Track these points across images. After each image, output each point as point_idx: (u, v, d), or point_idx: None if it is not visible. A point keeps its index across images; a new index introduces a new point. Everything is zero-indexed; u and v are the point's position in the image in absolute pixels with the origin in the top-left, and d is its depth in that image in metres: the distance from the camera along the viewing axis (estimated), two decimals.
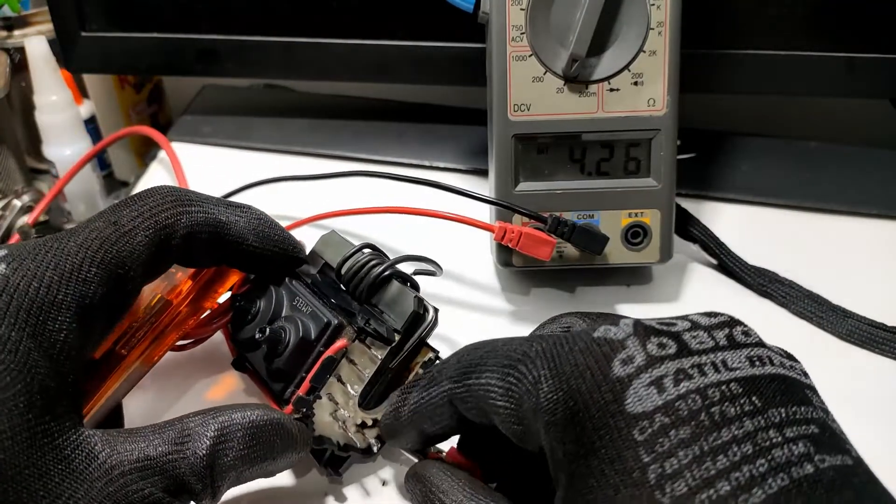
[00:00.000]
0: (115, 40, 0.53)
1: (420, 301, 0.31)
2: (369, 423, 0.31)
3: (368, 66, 0.52)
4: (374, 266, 0.32)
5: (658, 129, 0.39)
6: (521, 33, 0.37)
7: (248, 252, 0.31)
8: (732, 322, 0.22)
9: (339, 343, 0.30)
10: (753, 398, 0.20)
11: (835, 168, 0.51)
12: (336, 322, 0.30)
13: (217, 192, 0.48)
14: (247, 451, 0.26)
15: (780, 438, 0.19)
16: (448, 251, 0.44)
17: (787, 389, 0.20)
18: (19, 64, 0.57)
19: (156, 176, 0.55)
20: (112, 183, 0.63)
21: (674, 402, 0.20)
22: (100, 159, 0.60)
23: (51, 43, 0.52)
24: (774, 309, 0.42)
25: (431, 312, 0.31)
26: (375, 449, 0.31)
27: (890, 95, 0.50)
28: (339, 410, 0.30)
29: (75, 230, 0.26)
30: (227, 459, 0.25)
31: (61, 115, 0.54)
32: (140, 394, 0.37)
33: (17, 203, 0.52)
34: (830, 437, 0.20)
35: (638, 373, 0.21)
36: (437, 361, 0.32)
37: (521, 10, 0.37)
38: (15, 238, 0.51)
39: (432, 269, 0.36)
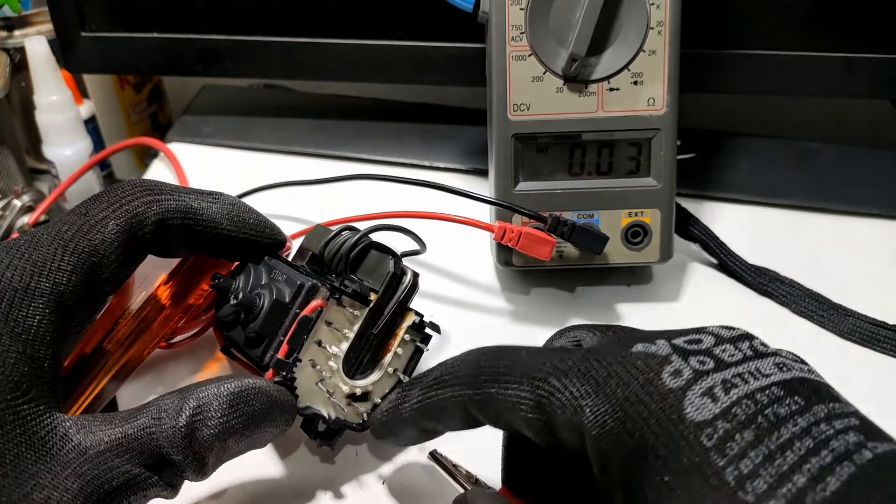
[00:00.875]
0: (115, 40, 0.53)
1: (397, 264, 0.31)
2: (358, 392, 0.31)
3: (368, 66, 0.52)
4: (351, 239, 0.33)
5: (658, 129, 0.39)
6: (521, 33, 0.37)
7: (224, 237, 0.30)
8: (749, 335, 0.23)
9: (315, 303, 0.29)
10: (795, 398, 0.21)
11: (835, 168, 0.51)
12: (310, 283, 0.30)
13: None
14: (226, 418, 0.26)
15: (832, 431, 0.20)
16: (448, 251, 0.44)
17: (818, 389, 0.21)
18: (19, 64, 0.57)
19: (156, 176, 0.55)
20: (112, 183, 0.63)
21: (730, 408, 0.20)
22: None
23: (51, 43, 0.52)
24: (775, 308, 0.42)
25: (410, 274, 0.32)
26: (366, 417, 0.31)
27: (890, 95, 0.50)
28: (324, 379, 0.30)
29: (48, 224, 0.27)
30: (208, 430, 0.25)
31: (61, 115, 0.54)
32: (135, 390, 0.37)
33: (17, 203, 0.53)
34: (871, 426, 0.20)
35: (689, 385, 0.21)
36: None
37: (521, 9, 0.37)
38: None
39: (417, 246, 0.36)
